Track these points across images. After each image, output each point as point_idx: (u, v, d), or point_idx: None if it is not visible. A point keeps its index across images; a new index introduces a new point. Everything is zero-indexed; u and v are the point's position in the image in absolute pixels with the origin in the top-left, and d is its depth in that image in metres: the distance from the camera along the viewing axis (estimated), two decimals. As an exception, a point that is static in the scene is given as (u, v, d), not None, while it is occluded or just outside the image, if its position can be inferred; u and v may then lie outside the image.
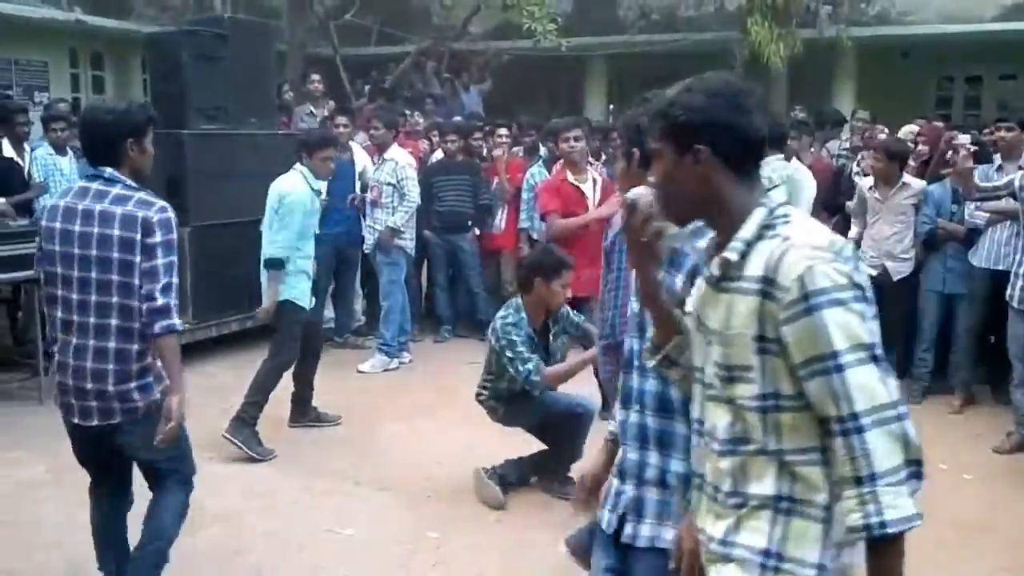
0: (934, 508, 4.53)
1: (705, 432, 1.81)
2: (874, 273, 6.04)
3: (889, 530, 1.59)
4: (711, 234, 1.84)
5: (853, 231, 6.17)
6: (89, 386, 3.01)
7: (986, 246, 5.72)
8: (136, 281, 2.96)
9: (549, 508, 4.37)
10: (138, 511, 3.39)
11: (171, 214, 3.05)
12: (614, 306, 2.94)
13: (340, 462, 4.98)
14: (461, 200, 7.60)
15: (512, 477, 4.52)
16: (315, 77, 9.61)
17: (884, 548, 1.64)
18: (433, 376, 6.65)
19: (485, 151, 8.16)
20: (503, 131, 8.08)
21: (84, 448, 3.21)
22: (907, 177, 6.02)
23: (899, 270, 6.01)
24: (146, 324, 2.96)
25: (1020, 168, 5.58)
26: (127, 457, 3.23)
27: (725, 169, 1.73)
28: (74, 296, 3.01)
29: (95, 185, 3.04)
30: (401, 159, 6.88)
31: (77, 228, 2.99)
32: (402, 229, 6.81)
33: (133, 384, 3.03)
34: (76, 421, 3.08)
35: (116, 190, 3.01)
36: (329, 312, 7.33)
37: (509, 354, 4.31)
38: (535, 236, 7.16)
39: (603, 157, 7.67)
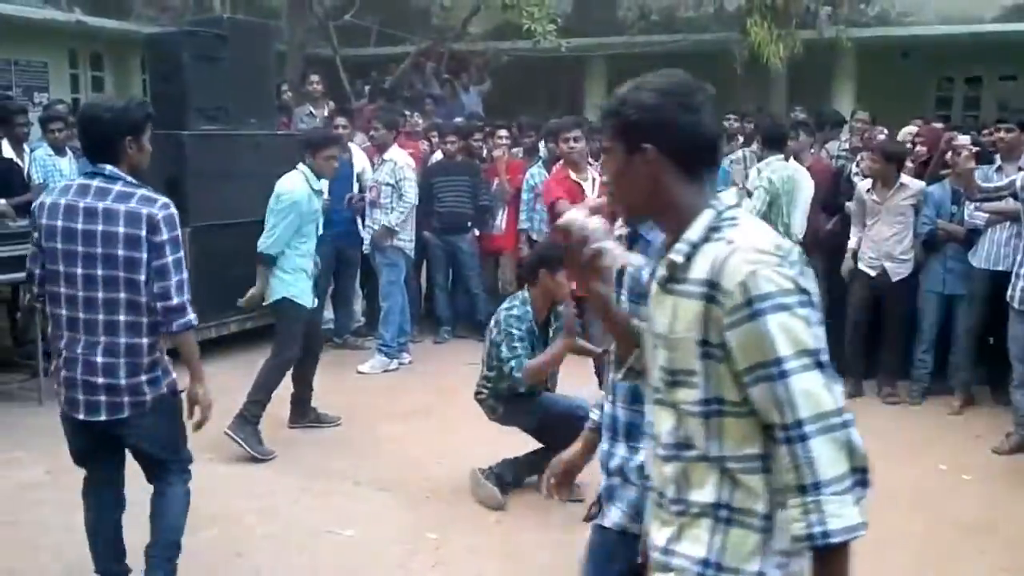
0: (934, 508, 4.56)
1: (652, 436, 1.79)
2: (873, 274, 6.04)
3: (832, 540, 1.57)
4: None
5: (852, 234, 6.17)
6: (100, 380, 3.05)
7: (986, 247, 5.72)
8: (142, 277, 3.02)
9: (548, 509, 4.36)
10: (131, 513, 3.43)
11: (174, 210, 3.10)
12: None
13: (340, 463, 4.98)
14: (461, 201, 7.60)
15: (509, 477, 4.51)
16: (314, 78, 9.61)
17: (828, 557, 1.61)
18: (433, 377, 6.65)
19: (485, 152, 8.16)
20: (503, 132, 8.08)
21: (85, 444, 3.23)
22: (905, 178, 6.02)
23: (898, 271, 6.01)
24: (162, 322, 3.06)
25: (1020, 169, 5.58)
26: (133, 450, 3.26)
27: (674, 169, 1.70)
28: (79, 293, 3.03)
29: (95, 182, 3.06)
30: (400, 160, 6.88)
31: (80, 226, 3.01)
32: (398, 229, 6.81)
33: (144, 377, 3.09)
34: (82, 417, 3.10)
35: (117, 187, 3.04)
36: (329, 313, 7.33)
37: (504, 348, 4.31)
38: (535, 237, 7.17)
39: (602, 157, 7.67)
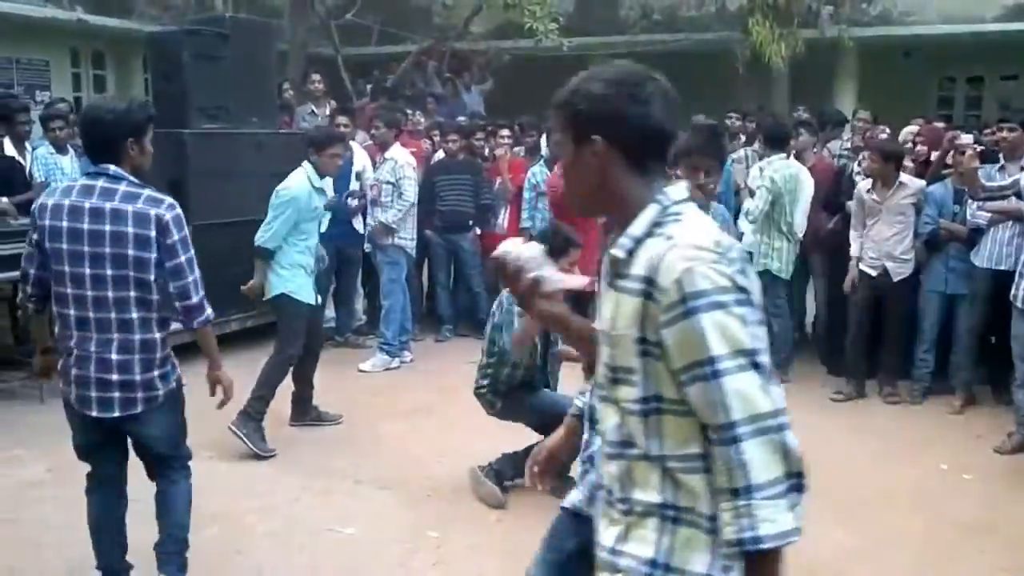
0: (934, 508, 4.57)
1: (600, 433, 1.78)
2: (874, 274, 6.04)
3: (763, 545, 1.53)
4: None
5: (853, 239, 6.14)
6: (115, 377, 3.10)
7: (988, 246, 5.71)
8: (151, 276, 3.09)
9: (549, 507, 4.36)
10: (132, 510, 3.45)
11: (180, 210, 3.16)
12: None
13: (341, 461, 4.98)
14: (462, 200, 7.60)
15: (509, 473, 4.50)
16: (315, 77, 9.61)
17: (759, 563, 1.57)
18: (434, 375, 6.65)
19: (487, 151, 8.16)
20: (505, 131, 8.08)
21: (92, 440, 3.27)
22: (904, 177, 6.01)
23: (899, 271, 6.00)
24: (183, 320, 3.21)
25: (1023, 168, 5.58)
26: (138, 446, 3.32)
27: (623, 161, 1.67)
28: (88, 293, 3.07)
29: (100, 183, 3.09)
30: (401, 158, 6.88)
31: (86, 226, 3.04)
32: (395, 226, 6.82)
33: (156, 373, 3.16)
34: (95, 414, 3.14)
35: (123, 187, 3.08)
36: (330, 311, 7.33)
37: (504, 332, 4.31)
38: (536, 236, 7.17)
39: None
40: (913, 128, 8.16)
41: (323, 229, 5.49)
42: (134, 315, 3.10)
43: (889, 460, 5.11)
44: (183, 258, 3.13)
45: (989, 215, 5.69)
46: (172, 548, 3.37)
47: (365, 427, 5.57)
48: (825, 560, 3.91)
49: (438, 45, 12.65)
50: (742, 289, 1.57)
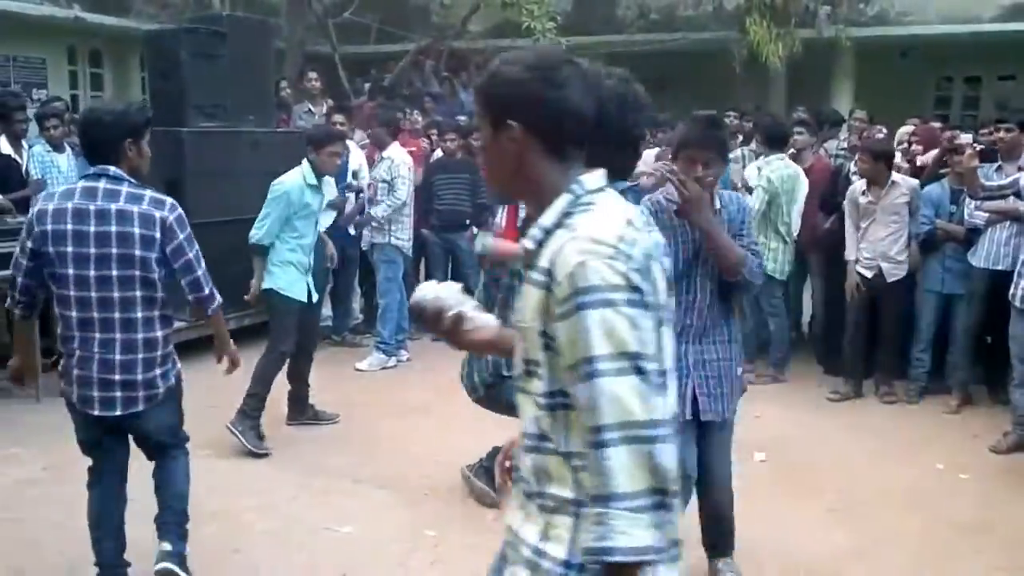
0: (931, 508, 4.57)
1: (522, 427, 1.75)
2: (869, 275, 6.04)
3: (614, 558, 1.46)
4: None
5: (848, 243, 6.13)
6: (117, 377, 3.16)
7: (985, 246, 5.72)
8: (155, 275, 3.16)
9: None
10: (130, 509, 3.46)
11: (180, 209, 3.25)
12: None
13: (338, 460, 4.98)
14: (460, 199, 7.60)
15: None
16: (312, 74, 9.60)
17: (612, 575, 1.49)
18: (431, 374, 6.64)
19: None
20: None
21: (95, 436, 3.31)
22: (896, 176, 6.01)
23: (894, 272, 6.00)
24: (197, 311, 3.40)
25: (1020, 168, 5.59)
26: (138, 437, 3.38)
27: (540, 149, 1.62)
28: (92, 294, 3.12)
29: (102, 184, 3.14)
30: (397, 158, 6.88)
31: (92, 228, 3.10)
32: (381, 222, 6.82)
33: (158, 371, 3.23)
34: (96, 413, 3.20)
35: (125, 188, 3.15)
36: (327, 310, 7.33)
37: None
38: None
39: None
40: (908, 128, 8.18)
41: (323, 228, 5.47)
42: (138, 314, 3.16)
43: (886, 460, 5.12)
44: (191, 254, 3.24)
45: (987, 215, 5.69)
46: (172, 519, 3.45)
47: (362, 426, 5.57)
48: (822, 559, 3.92)
49: (436, 44, 12.65)
50: (636, 289, 1.51)
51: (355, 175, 7.18)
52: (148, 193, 3.19)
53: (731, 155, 7.65)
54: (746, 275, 3.18)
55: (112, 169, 3.14)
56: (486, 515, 4.34)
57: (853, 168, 6.69)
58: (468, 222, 7.66)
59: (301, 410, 5.55)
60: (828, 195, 6.59)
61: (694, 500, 3.50)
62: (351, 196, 6.99)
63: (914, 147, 7.33)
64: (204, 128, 6.86)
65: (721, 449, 3.43)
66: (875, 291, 6.06)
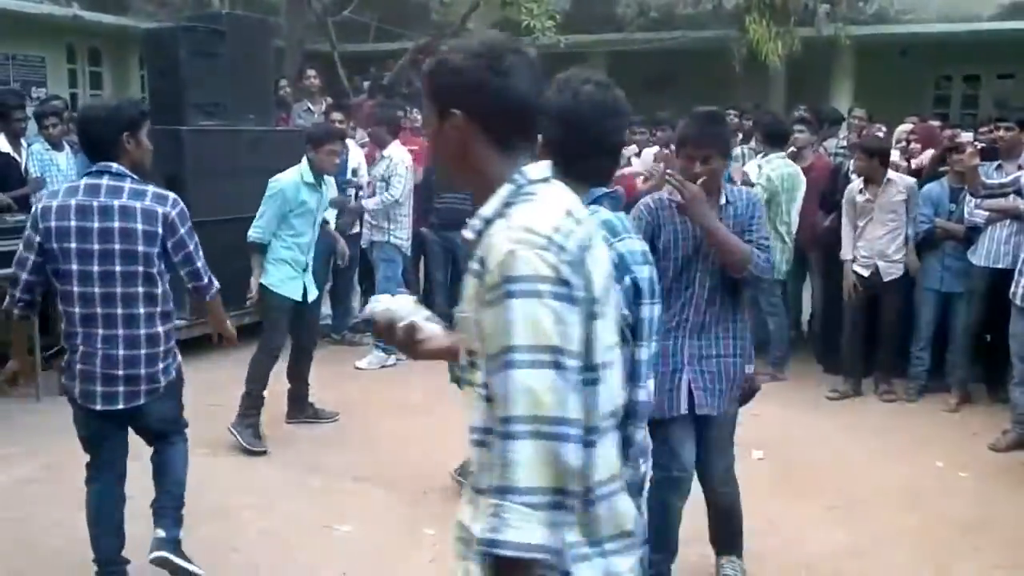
0: (930, 506, 4.58)
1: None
2: (866, 274, 6.04)
3: (499, 551, 1.43)
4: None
5: (845, 243, 6.13)
6: (120, 372, 3.21)
7: (985, 245, 5.72)
8: (155, 269, 3.22)
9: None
10: (128, 508, 3.45)
11: (183, 204, 3.31)
12: None
13: (337, 458, 4.98)
14: (459, 197, 7.57)
15: None
16: (311, 72, 9.59)
17: (497, 569, 1.46)
18: (431, 373, 6.59)
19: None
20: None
21: (97, 431, 3.34)
22: (892, 174, 6.00)
23: (890, 271, 5.99)
24: (196, 304, 3.45)
25: (1020, 167, 5.59)
26: (139, 428, 3.42)
27: (483, 137, 1.59)
28: (96, 290, 3.16)
29: (104, 181, 3.18)
30: (396, 156, 6.88)
31: (96, 225, 3.14)
32: (374, 219, 6.83)
33: (160, 366, 3.28)
34: (99, 408, 3.23)
35: (128, 184, 3.19)
36: (326, 308, 7.33)
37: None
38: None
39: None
40: (907, 127, 8.18)
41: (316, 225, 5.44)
42: (140, 310, 3.21)
43: (885, 458, 5.12)
44: (191, 247, 3.31)
45: (987, 214, 5.69)
46: (170, 503, 3.50)
47: (362, 425, 5.57)
48: (821, 557, 3.92)
49: (435, 42, 12.63)
50: (564, 282, 1.47)
51: (355, 173, 7.18)
52: (151, 189, 3.24)
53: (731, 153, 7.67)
54: (752, 271, 3.17)
55: (114, 166, 3.18)
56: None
57: (852, 167, 6.70)
58: (468, 220, 7.64)
59: (301, 408, 5.55)
60: (828, 193, 6.59)
61: (694, 497, 3.51)
62: (352, 192, 6.99)
63: (912, 145, 7.32)
64: (203, 127, 6.85)
65: (720, 445, 3.43)
66: (872, 290, 6.06)
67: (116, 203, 3.15)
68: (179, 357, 3.44)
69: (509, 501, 1.43)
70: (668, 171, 3.19)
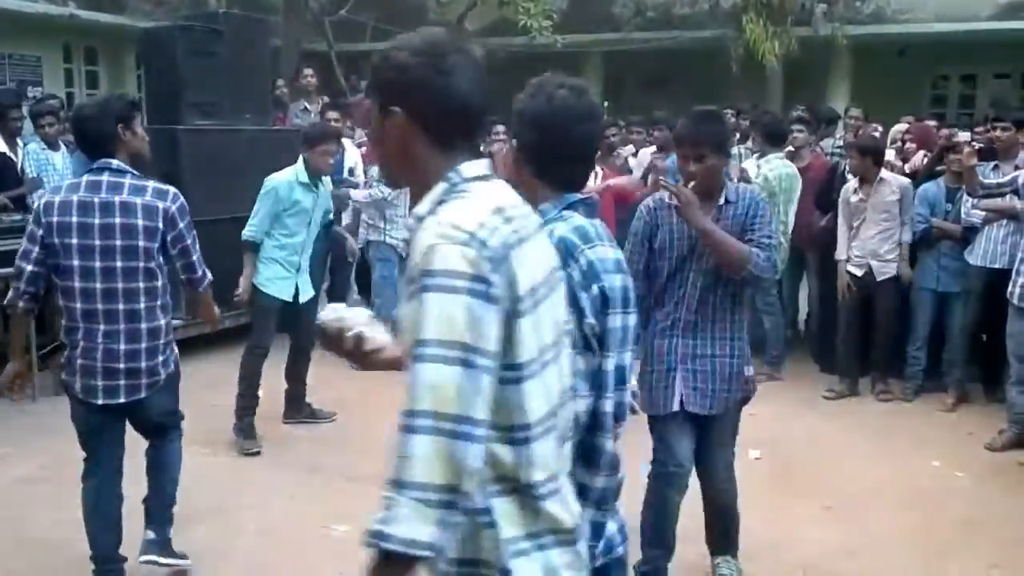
0: (927, 505, 4.57)
1: None
2: (859, 273, 6.05)
3: (383, 543, 1.43)
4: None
5: (840, 243, 6.13)
6: (122, 366, 3.24)
7: (983, 244, 5.72)
8: (157, 263, 3.26)
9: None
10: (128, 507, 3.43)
11: (183, 198, 3.36)
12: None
13: (335, 459, 4.97)
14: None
15: None
16: (308, 71, 9.58)
17: (380, 562, 1.46)
18: (428, 373, 6.64)
19: (482, 148, 8.15)
20: (500, 128, 8.07)
21: (96, 425, 3.35)
22: (885, 173, 6.00)
23: (883, 271, 5.99)
24: (191, 291, 3.54)
25: (1017, 167, 5.59)
26: (137, 421, 3.44)
27: (423, 135, 1.59)
28: (97, 286, 3.19)
29: (105, 177, 3.21)
30: None
31: (96, 220, 3.17)
32: (368, 218, 6.85)
33: (160, 359, 3.32)
34: (100, 402, 3.26)
35: (128, 180, 3.23)
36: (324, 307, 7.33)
37: None
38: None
39: (598, 153, 7.67)
40: (902, 126, 8.19)
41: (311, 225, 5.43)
42: (141, 305, 3.24)
43: (882, 457, 5.13)
44: (189, 241, 3.35)
45: (984, 214, 5.69)
46: (163, 502, 3.55)
47: (359, 425, 5.56)
48: (817, 557, 3.93)
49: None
50: (483, 280, 1.45)
51: (351, 172, 7.17)
52: (151, 184, 3.27)
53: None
54: (752, 270, 3.16)
55: (115, 162, 3.22)
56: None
57: (848, 166, 6.71)
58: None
59: (298, 408, 5.55)
60: (824, 193, 6.59)
61: (692, 497, 3.51)
62: (348, 191, 6.98)
63: (908, 145, 7.32)
64: (200, 126, 6.84)
65: (720, 444, 3.44)
66: (866, 290, 6.07)
67: (117, 199, 3.18)
68: (176, 350, 3.48)
69: (402, 495, 1.42)
70: (661, 177, 3.20)
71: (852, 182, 6.07)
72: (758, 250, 3.18)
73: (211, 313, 3.81)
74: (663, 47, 12.78)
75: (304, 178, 5.17)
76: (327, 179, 5.55)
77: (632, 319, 1.96)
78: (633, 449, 3.70)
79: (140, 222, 3.20)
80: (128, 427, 3.47)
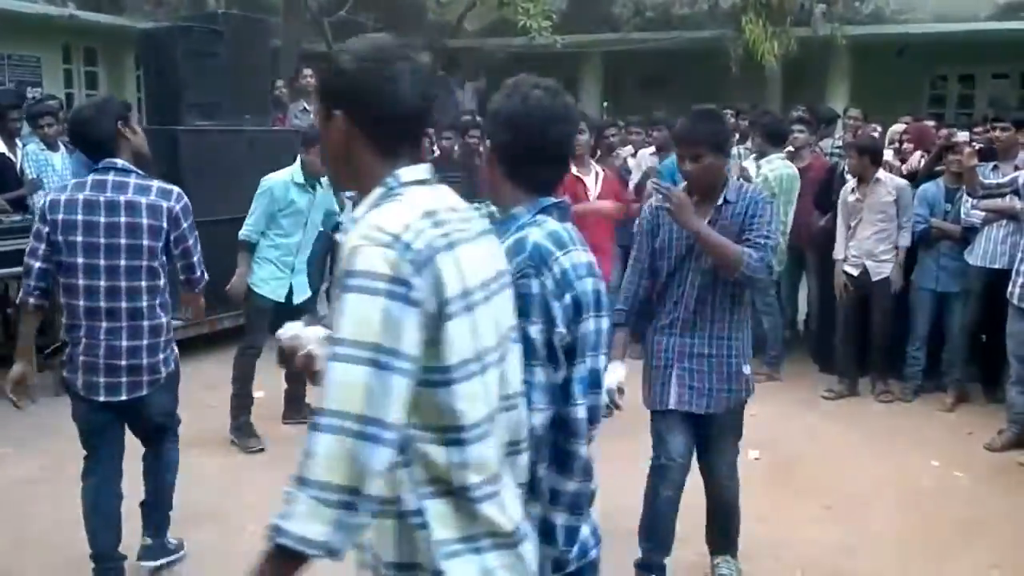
0: (925, 505, 4.58)
1: None
2: (855, 273, 6.05)
3: (280, 539, 1.43)
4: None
5: (838, 242, 6.14)
6: (123, 363, 3.26)
7: (982, 244, 5.72)
8: (157, 263, 3.28)
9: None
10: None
11: (186, 198, 3.39)
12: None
13: (334, 459, 4.97)
14: (456, 197, 7.60)
15: None
16: (307, 71, 9.57)
17: (271, 555, 1.46)
18: (427, 373, 6.64)
19: (481, 148, 8.15)
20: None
21: (97, 423, 3.36)
22: (881, 174, 5.99)
23: (879, 271, 5.99)
24: (187, 290, 3.54)
25: (1017, 168, 5.59)
26: (139, 422, 3.46)
27: (364, 140, 1.61)
28: (101, 283, 3.22)
29: (110, 177, 3.24)
30: None
31: (102, 219, 3.20)
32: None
33: (161, 356, 3.35)
34: (102, 399, 3.28)
35: (133, 180, 3.26)
36: (323, 308, 7.32)
37: None
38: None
39: (597, 153, 7.67)
40: (900, 127, 8.18)
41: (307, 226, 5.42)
42: (144, 303, 3.27)
43: (881, 457, 5.13)
44: (190, 240, 3.38)
45: (984, 214, 5.69)
46: (163, 507, 3.59)
47: (358, 425, 5.56)
48: (816, 556, 3.93)
49: (431, 43, 12.64)
50: (403, 283, 1.45)
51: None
52: (155, 184, 3.31)
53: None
54: (744, 271, 3.15)
55: (119, 162, 3.25)
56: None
57: (847, 166, 6.71)
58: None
59: (298, 409, 5.55)
60: (822, 193, 6.60)
61: (691, 498, 3.52)
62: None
63: (906, 146, 7.32)
64: (200, 127, 6.84)
65: (719, 443, 3.45)
66: (863, 289, 6.06)
67: (122, 198, 3.22)
68: (176, 350, 3.50)
69: (301, 492, 1.42)
70: (653, 180, 3.21)
71: (851, 182, 6.07)
72: (752, 250, 3.16)
73: (199, 306, 3.83)
74: (662, 47, 12.78)
75: (300, 179, 5.17)
76: (326, 180, 5.53)
77: (605, 322, 1.95)
78: (635, 448, 3.71)
79: (145, 221, 3.23)
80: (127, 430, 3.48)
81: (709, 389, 3.30)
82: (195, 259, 3.44)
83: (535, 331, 1.79)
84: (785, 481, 4.75)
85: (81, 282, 3.21)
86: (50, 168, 7.00)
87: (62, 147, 7.14)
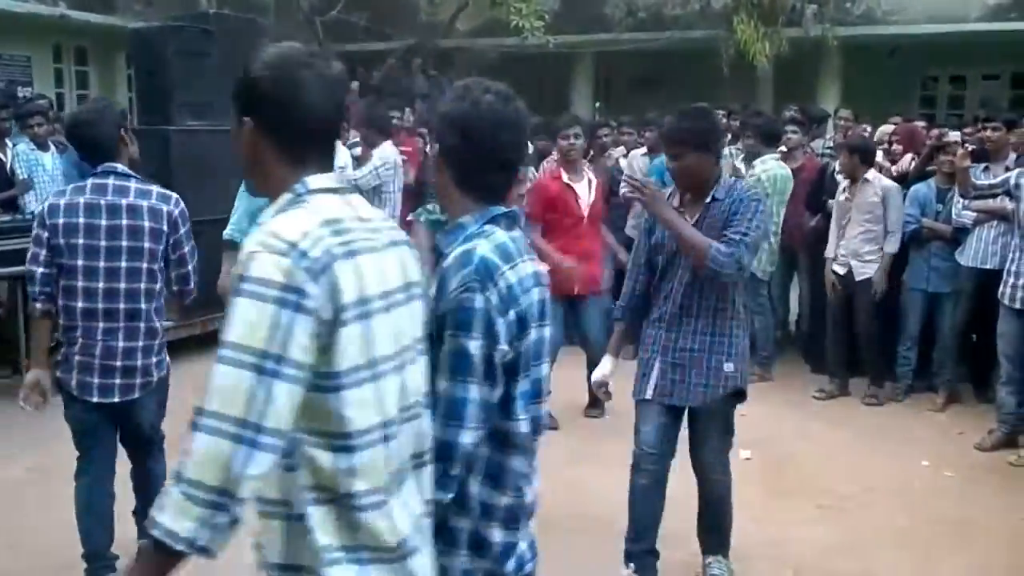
0: (916, 504, 4.59)
1: None
2: (842, 272, 6.07)
3: (152, 531, 1.45)
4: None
5: (830, 242, 6.15)
6: (118, 364, 3.28)
7: (974, 245, 5.74)
8: (157, 266, 3.31)
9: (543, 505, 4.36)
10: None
11: (183, 204, 3.42)
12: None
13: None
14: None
15: None
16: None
17: (150, 548, 1.47)
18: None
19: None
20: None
21: (90, 425, 3.36)
22: (870, 174, 5.99)
23: (863, 271, 5.99)
24: (179, 299, 3.53)
25: (1008, 168, 5.60)
26: (128, 430, 3.45)
27: (272, 147, 1.62)
28: (100, 285, 3.24)
29: (111, 180, 3.27)
30: (383, 155, 6.85)
31: (103, 222, 3.23)
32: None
33: (154, 359, 3.37)
34: (95, 400, 3.29)
35: (134, 184, 3.30)
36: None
37: None
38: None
39: (590, 153, 7.68)
40: (889, 128, 8.19)
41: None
42: (142, 305, 3.29)
43: (872, 457, 5.15)
44: (187, 248, 3.40)
45: (975, 214, 5.71)
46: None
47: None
48: (807, 556, 3.94)
49: (424, 43, 12.64)
50: (296, 290, 1.46)
51: (341, 172, 7.15)
52: (155, 188, 3.36)
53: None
54: (710, 264, 3.16)
55: (119, 166, 3.29)
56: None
57: (837, 167, 6.73)
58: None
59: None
60: (814, 194, 6.61)
61: (684, 497, 3.53)
62: None
63: (895, 147, 7.33)
64: (191, 127, 6.83)
65: (705, 437, 3.48)
66: (848, 288, 6.08)
67: (124, 202, 3.25)
68: (167, 356, 3.49)
69: (175, 487, 1.44)
70: (626, 175, 3.26)
71: (845, 181, 6.09)
72: (722, 245, 3.16)
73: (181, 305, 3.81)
74: (654, 48, 12.79)
75: None
76: None
77: (547, 331, 1.92)
78: (631, 448, 3.71)
79: (147, 224, 3.27)
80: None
81: (685, 382, 3.35)
82: (190, 268, 3.44)
83: (474, 347, 1.74)
84: (777, 481, 4.75)
85: (80, 284, 3.23)
86: (40, 168, 6.97)
87: (52, 147, 7.11)
